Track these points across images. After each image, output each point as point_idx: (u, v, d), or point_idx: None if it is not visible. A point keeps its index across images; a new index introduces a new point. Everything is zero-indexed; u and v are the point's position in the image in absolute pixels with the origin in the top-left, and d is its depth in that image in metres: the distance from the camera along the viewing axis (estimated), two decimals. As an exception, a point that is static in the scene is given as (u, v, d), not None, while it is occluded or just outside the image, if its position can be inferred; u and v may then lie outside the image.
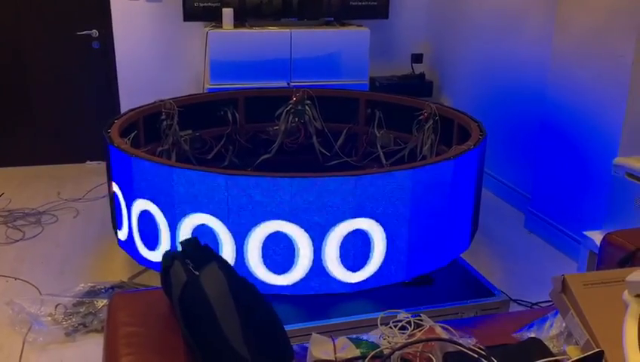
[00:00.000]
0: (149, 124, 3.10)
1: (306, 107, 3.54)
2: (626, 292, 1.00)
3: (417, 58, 4.67)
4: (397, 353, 1.44)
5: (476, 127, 2.79)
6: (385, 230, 2.31)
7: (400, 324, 1.59)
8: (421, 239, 2.40)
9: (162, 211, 2.37)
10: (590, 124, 3.01)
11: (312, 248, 2.27)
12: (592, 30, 2.94)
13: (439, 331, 1.55)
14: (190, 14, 4.18)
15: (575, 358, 1.25)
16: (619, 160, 2.38)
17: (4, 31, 4.20)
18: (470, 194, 2.59)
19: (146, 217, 2.44)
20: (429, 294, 2.58)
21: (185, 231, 2.33)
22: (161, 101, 3.20)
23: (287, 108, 3.54)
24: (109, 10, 4.27)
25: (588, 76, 2.99)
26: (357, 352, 1.53)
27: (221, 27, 4.11)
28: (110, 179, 2.67)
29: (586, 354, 1.25)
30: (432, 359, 1.43)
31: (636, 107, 2.77)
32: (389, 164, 3.41)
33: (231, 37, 4.08)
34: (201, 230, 2.30)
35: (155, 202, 2.38)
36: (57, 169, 4.40)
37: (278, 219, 2.24)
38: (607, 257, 1.94)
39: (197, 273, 1.30)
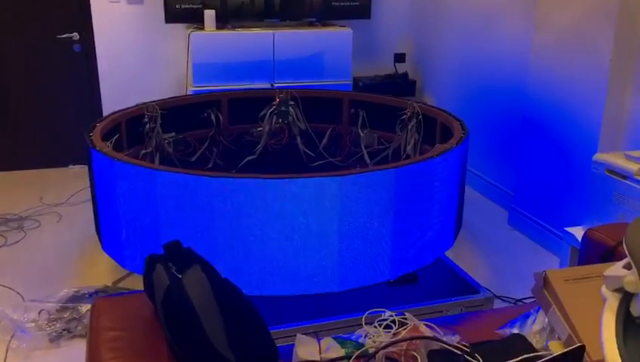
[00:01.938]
0: (132, 127, 3.08)
1: (290, 108, 3.54)
2: (603, 286, 1.01)
3: (400, 58, 4.70)
4: (381, 352, 1.45)
5: (458, 126, 2.81)
6: (369, 229, 2.32)
7: (384, 323, 1.60)
8: (405, 238, 2.41)
9: (145, 215, 2.36)
10: (571, 120, 3.04)
11: (294, 249, 2.28)
12: (572, 27, 2.98)
13: (423, 329, 1.56)
14: (172, 16, 4.17)
15: (557, 353, 1.26)
16: (598, 156, 2.41)
17: (-17, 35, 4.15)
18: (454, 192, 2.61)
19: (129, 221, 2.42)
20: (414, 293, 2.60)
21: (169, 234, 2.32)
22: (144, 104, 3.18)
23: (271, 110, 3.54)
24: (90, 12, 4.24)
25: (568, 73, 3.03)
26: (342, 352, 1.54)
27: (203, 29, 4.10)
28: (93, 183, 2.65)
29: (567, 349, 1.26)
30: (416, 357, 1.44)
31: (615, 103, 2.81)
32: (373, 164, 3.43)
33: (213, 38, 4.07)
34: (185, 233, 2.29)
35: (138, 205, 2.37)
36: (39, 173, 4.36)
37: (263, 221, 2.24)
38: (588, 252, 1.97)
39: (179, 276, 1.30)
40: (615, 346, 0.87)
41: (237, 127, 3.55)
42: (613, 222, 2.23)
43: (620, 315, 0.94)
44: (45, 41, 4.25)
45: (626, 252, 0.98)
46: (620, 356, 0.87)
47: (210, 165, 3.48)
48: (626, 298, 0.97)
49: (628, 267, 1.00)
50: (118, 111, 3.06)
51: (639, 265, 0.94)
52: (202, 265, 1.34)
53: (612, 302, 0.97)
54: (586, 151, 2.89)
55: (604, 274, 1.03)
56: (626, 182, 2.27)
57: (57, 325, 2.49)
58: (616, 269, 1.01)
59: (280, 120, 3.54)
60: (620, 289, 0.99)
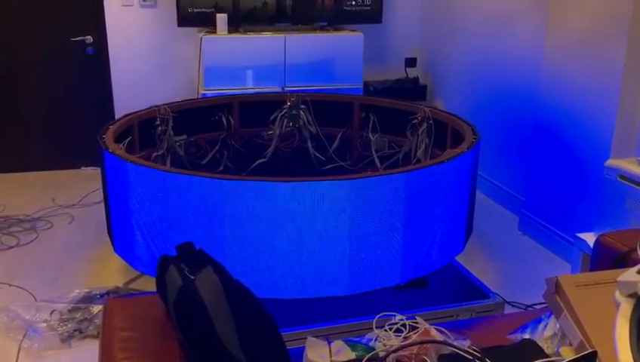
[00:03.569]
0: (144, 129, 3.10)
1: (301, 112, 3.55)
2: (617, 292, 1.01)
3: (411, 62, 4.69)
4: (392, 355, 1.45)
5: (470, 131, 2.80)
6: (379, 233, 2.32)
7: (395, 327, 1.60)
8: (416, 242, 2.41)
9: (157, 216, 2.37)
10: (583, 126, 3.03)
11: (305, 253, 2.28)
12: (584, 33, 2.97)
13: (434, 333, 1.56)
14: (184, 20, 4.19)
15: (568, 359, 1.25)
16: (611, 162, 2.40)
17: (-2, 37, 4.20)
18: (464, 197, 2.60)
19: (140, 222, 2.44)
20: (425, 297, 2.60)
21: (180, 236, 2.33)
22: (156, 106, 3.20)
23: (282, 113, 3.55)
24: (104, 15, 4.27)
25: (580, 79, 3.01)
26: (352, 355, 1.54)
27: (215, 32, 4.12)
28: (105, 185, 2.67)
29: (579, 355, 1.26)
30: (426, 361, 1.44)
31: (627, 109, 2.79)
32: (383, 168, 3.42)
33: (225, 42, 4.09)
34: (196, 235, 2.31)
35: (149, 207, 2.38)
36: (52, 175, 4.39)
37: (274, 224, 2.25)
38: (600, 258, 1.96)
39: (192, 277, 1.31)
40: (629, 352, 0.87)
41: (248, 130, 3.57)
42: (626, 228, 2.22)
43: (633, 321, 0.94)
44: (59, 44, 4.28)
45: (640, 257, 0.98)
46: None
47: (221, 168, 3.49)
48: (640, 304, 0.97)
49: (642, 273, 1.00)
50: (131, 113, 3.08)
51: (653, 270, 0.94)
52: (214, 266, 1.35)
53: (625, 307, 0.96)
54: (598, 157, 2.88)
55: (618, 279, 1.02)
56: (639, 188, 2.26)
57: (69, 325, 2.50)
58: (630, 275, 1.01)
59: (291, 123, 3.55)
60: (633, 295, 0.99)
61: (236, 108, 3.53)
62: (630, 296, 0.98)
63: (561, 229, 3.22)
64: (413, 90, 4.60)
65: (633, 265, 1.09)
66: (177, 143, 3.28)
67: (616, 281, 1.04)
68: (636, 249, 1.60)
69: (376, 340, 1.58)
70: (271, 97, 3.66)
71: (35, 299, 2.76)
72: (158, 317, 1.39)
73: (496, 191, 3.98)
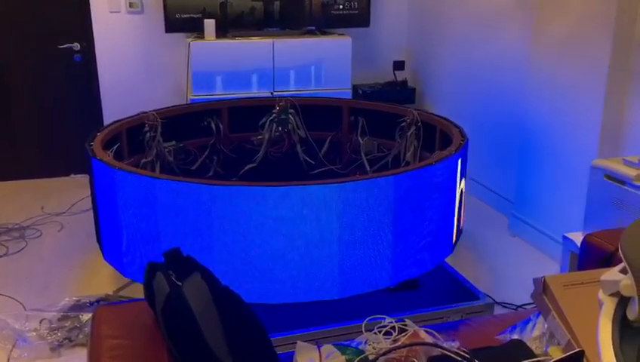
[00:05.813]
0: (133, 136, 3.10)
1: (290, 116, 3.56)
2: (600, 291, 1.02)
3: (399, 65, 4.71)
4: (382, 358, 1.46)
5: (458, 133, 2.82)
6: (369, 236, 2.32)
7: (385, 330, 1.60)
8: (405, 244, 2.42)
9: (146, 223, 2.37)
10: (570, 127, 3.05)
11: (294, 257, 2.28)
12: (569, 34, 2.99)
13: (423, 335, 1.57)
14: (172, 25, 4.19)
15: (556, 358, 1.26)
16: (597, 162, 2.42)
17: (-15, 45, 4.18)
18: (453, 198, 2.62)
19: (129, 229, 2.43)
20: (415, 299, 2.60)
21: (169, 243, 2.33)
22: (144, 113, 3.19)
23: (271, 118, 3.55)
24: (91, 22, 4.26)
25: (566, 80, 3.04)
26: (342, 359, 1.54)
27: (203, 38, 4.12)
28: (94, 192, 2.66)
29: (566, 354, 1.27)
30: (416, 363, 1.45)
31: (613, 110, 2.82)
32: (372, 171, 3.43)
33: (213, 48, 4.09)
34: (186, 241, 2.30)
35: (138, 214, 2.38)
36: (41, 183, 4.37)
37: (264, 229, 2.25)
38: (587, 258, 1.97)
39: (179, 283, 1.30)
40: (611, 350, 0.88)
41: (237, 135, 3.57)
42: (613, 227, 2.24)
43: (616, 319, 0.95)
44: (46, 51, 4.27)
45: (622, 256, 0.99)
46: (617, 360, 0.87)
47: (210, 173, 3.49)
48: (622, 302, 0.98)
49: (624, 271, 1.01)
50: (119, 120, 3.08)
51: (634, 269, 0.95)
52: (202, 272, 1.35)
53: (608, 306, 0.97)
54: (586, 157, 2.90)
55: (601, 278, 1.04)
56: (625, 187, 2.28)
57: (58, 334, 2.49)
58: (612, 274, 1.02)
59: (280, 128, 3.56)
60: (616, 294, 1.00)
61: (225, 113, 3.53)
62: (613, 294, 0.99)
63: (551, 230, 3.24)
64: (401, 93, 4.61)
65: (619, 264, 1.11)
66: (166, 149, 3.28)
67: (599, 280, 1.05)
68: (621, 248, 1.61)
69: (365, 343, 1.58)
70: (260, 102, 3.67)
71: (25, 308, 2.74)
72: (147, 324, 1.39)
73: (486, 193, 4.00)
